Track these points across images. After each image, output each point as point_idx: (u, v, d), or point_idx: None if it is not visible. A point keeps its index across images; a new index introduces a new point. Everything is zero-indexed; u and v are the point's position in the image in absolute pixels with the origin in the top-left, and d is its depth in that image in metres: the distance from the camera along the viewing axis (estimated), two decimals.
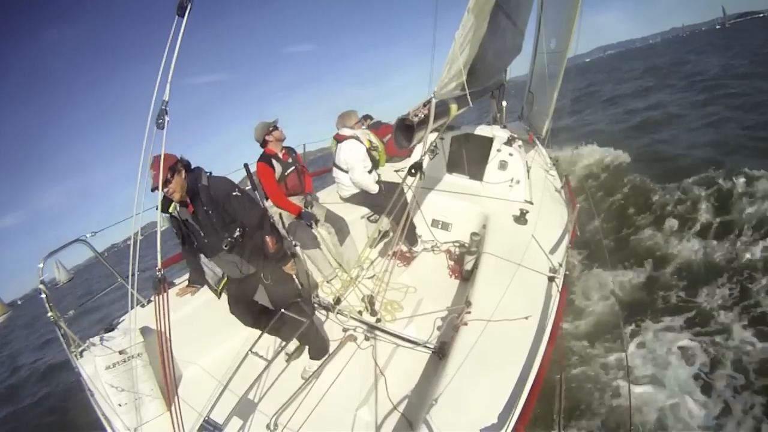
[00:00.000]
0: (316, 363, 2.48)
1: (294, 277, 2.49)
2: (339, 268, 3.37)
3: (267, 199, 3.30)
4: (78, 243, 2.55)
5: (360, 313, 2.83)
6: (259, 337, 2.38)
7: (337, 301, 2.96)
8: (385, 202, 3.19)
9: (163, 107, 1.30)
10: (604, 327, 3.59)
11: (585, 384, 3.05)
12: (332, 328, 2.81)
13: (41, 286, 2.05)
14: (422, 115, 2.19)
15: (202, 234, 2.16)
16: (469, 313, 2.12)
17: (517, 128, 5.21)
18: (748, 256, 3.98)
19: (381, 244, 3.73)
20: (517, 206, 3.29)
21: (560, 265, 2.54)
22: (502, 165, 3.82)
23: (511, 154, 3.84)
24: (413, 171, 2.22)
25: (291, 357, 2.55)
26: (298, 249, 3.23)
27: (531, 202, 3.53)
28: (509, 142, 3.96)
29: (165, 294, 1.64)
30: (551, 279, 2.45)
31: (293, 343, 2.55)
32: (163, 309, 1.62)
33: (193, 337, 2.51)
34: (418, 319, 2.82)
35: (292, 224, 3.25)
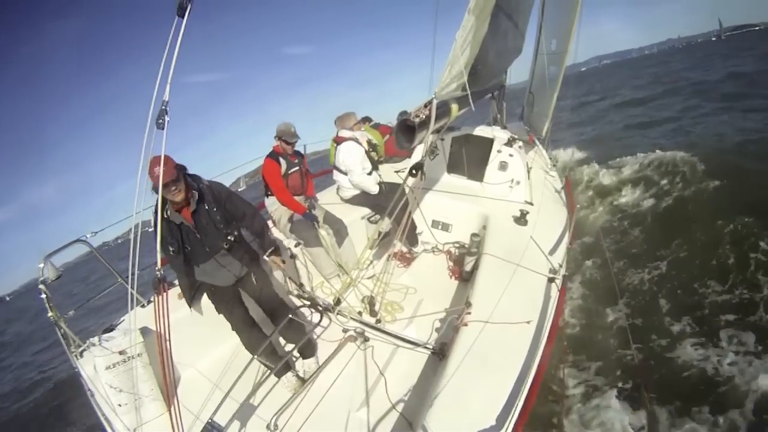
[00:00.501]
0: (316, 364, 2.49)
1: (282, 274, 2.48)
2: (339, 268, 3.37)
3: (267, 197, 3.31)
4: (78, 243, 2.56)
5: (360, 313, 2.83)
6: (266, 342, 2.37)
7: (337, 301, 2.96)
8: (385, 202, 3.19)
9: (163, 107, 1.30)
10: (604, 326, 3.59)
11: (586, 384, 3.04)
12: (332, 328, 2.80)
13: (41, 286, 2.05)
14: (423, 116, 2.19)
15: (199, 237, 2.15)
16: (469, 313, 2.12)
17: (517, 129, 5.21)
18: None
19: (381, 245, 3.73)
20: (517, 207, 3.28)
21: (560, 266, 2.53)
22: (503, 166, 3.82)
23: (511, 155, 3.84)
24: (414, 172, 2.23)
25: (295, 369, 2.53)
26: (297, 250, 3.24)
27: (531, 203, 3.53)
28: (509, 143, 3.96)
29: (165, 294, 1.65)
30: (551, 280, 2.44)
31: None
32: (163, 309, 1.62)
33: (192, 338, 2.51)
34: (418, 320, 2.82)
35: (296, 222, 3.26)
